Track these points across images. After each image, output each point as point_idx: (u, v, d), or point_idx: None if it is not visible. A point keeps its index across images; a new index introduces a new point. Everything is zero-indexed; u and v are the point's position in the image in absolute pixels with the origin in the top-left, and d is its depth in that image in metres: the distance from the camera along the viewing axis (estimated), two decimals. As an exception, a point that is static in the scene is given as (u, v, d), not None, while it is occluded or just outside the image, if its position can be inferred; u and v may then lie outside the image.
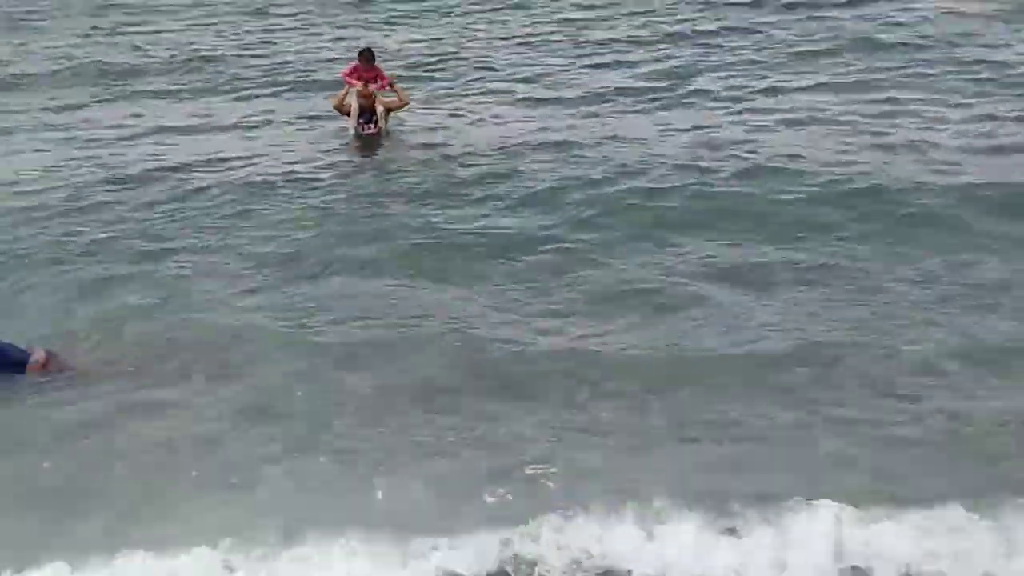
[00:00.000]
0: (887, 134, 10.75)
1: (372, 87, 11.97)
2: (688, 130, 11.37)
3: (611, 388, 6.41)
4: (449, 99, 13.46)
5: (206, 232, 9.31)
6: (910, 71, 12.97)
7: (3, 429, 6.38)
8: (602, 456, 5.75)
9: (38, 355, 6.95)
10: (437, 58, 15.70)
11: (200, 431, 6.17)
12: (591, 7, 18.47)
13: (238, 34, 18.48)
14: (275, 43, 17.59)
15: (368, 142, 11.92)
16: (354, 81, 12.03)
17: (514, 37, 16.83)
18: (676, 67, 14.13)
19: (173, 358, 7.07)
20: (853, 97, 12.15)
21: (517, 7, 19.16)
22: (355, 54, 12.78)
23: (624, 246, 8.44)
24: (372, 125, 12.01)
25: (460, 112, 12.85)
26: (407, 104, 12.32)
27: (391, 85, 12.21)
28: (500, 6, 19.35)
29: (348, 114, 12.07)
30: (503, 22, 18.06)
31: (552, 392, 6.43)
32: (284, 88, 14.68)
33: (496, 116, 12.54)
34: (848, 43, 14.59)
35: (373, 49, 12.74)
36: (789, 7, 17.13)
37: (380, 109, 12.01)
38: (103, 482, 5.75)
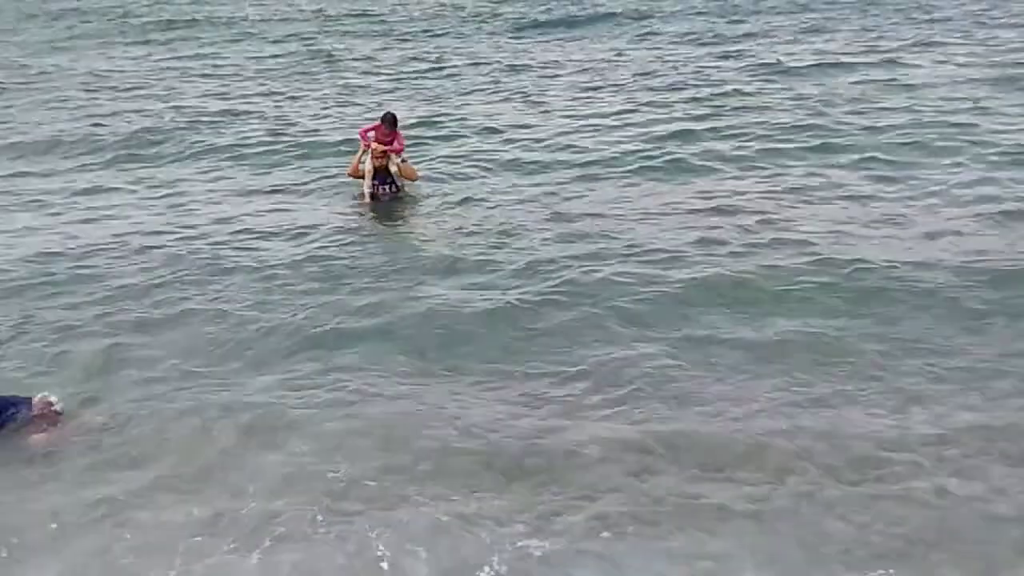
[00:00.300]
0: (886, 201, 10.80)
1: (381, 148, 12.03)
2: (689, 198, 11.37)
3: (604, 467, 6.40)
4: (451, 163, 13.50)
5: (205, 301, 9.26)
6: (908, 136, 13.05)
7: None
8: (594, 537, 5.76)
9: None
10: (438, 121, 15.81)
11: (200, 508, 6.19)
12: (591, 70, 18.67)
13: (243, 98, 18.61)
14: (279, 107, 17.73)
15: (374, 208, 11.96)
16: (372, 142, 12.14)
17: (514, 99, 17.01)
18: (676, 131, 14.20)
19: (171, 431, 7.08)
20: (851, 161, 12.25)
21: (515, 69, 19.36)
22: (363, 119, 12.81)
23: (621, 321, 8.36)
24: (386, 187, 12.10)
25: (461, 178, 12.88)
26: (415, 179, 12.37)
27: (399, 155, 12.24)
28: (498, 68, 19.54)
29: (363, 177, 12.16)
30: (503, 84, 18.21)
31: (546, 471, 6.42)
32: (287, 152, 14.68)
33: (497, 182, 12.56)
34: (846, 107, 14.72)
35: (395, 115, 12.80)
36: (787, 71, 17.40)
37: (394, 169, 12.08)
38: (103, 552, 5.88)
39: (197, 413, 7.25)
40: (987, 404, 6.85)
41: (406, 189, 12.27)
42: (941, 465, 6.22)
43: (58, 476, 6.64)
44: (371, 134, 12.25)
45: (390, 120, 12.28)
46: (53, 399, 7.21)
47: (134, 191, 13.21)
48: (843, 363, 7.46)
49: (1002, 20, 20.10)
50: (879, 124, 13.68)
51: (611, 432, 6.79)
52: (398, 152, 12.18)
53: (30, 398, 7.17)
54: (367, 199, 12.07)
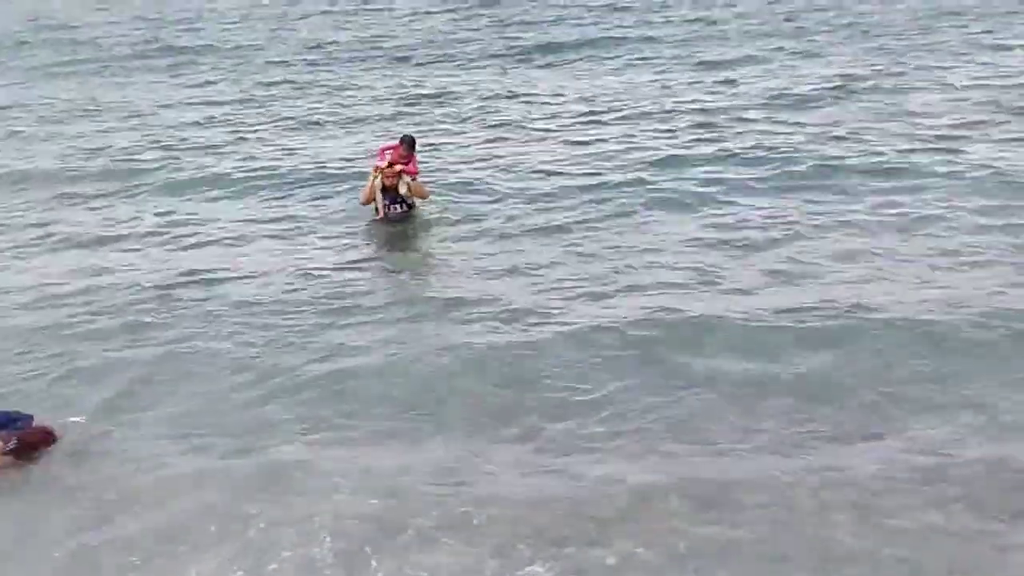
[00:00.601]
0: (887, 232, 10.71)
1: (395, 166, 12.11)
2: (690, 229, 11.27)
3: (610, 501, 6.43)
4: (451, 192, 13.44)
5: (208, 339, 9.25)
6: (908, 164, 12.91)
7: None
8: (600, 570, 5.82)
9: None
10: (439, 148, 15.73)
11: (205, 546, 6.27)
12: (591, 98, 18.63)
13: (245, 126, 18.59)
14: (280, 136, 17.67)
15: (379, 237, 11.98)
16: (386, 161, 12.20)
17: (513, 127, 16.94)
18: (676, 161, 14.05)
19: (176, 471, 7.14)
20: (852, 191, 12.15)
21: (515, 97, 19.33)
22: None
23: (624, 356, 8.33)
24: (396, 206, 12.20)
25: (461, 208, 12.80)
26: (425, 197, 12.49)
27: (411, 175, 12.31)
28: (496, 96, 19.50)
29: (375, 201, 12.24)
30: (502, 113, 18.18)
31: (550, 505, 6.44)
32: (287, 180, 14.62)
33: (497, 212, 12.49)
34: (844, 133, 14.65)
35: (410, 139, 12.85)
36: (786, 97, 17.31)
37: (403, 190, 12.17)
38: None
39: (202, 453, 7.33)
40: (994, 434, 6.87)
41: (418, 207, 12.39)
42: (948, 496, 6.25)
43: (64, 516, 6.69)
44: (388, 152, 12.45)
45: (409, 142, 12.60)
46: (58, 430, 7.41)
47: (132, 223, 13.17)
48: (848, 396, 7.45)
49: (1004, 42, 20.02)
50: (879, 152, 13.56)
51: (616, 467, 6.80)
52: (411, 174, 12.27)
53: (31, 416, 7.36)
54: (380, 215, 12.14)
